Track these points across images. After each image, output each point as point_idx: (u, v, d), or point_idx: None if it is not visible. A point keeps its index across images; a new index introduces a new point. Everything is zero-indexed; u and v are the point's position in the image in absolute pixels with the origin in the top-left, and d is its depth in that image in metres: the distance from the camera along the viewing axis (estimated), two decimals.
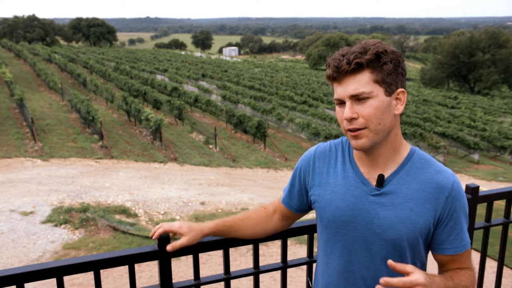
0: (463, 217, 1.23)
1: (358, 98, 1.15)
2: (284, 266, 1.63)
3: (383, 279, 1.03)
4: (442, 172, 1.23)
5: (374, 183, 1.25)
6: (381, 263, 1.24)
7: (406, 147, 1.27)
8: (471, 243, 1.84)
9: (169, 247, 1.35)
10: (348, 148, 1.33)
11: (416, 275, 1.04)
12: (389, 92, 1.17)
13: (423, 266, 1.31)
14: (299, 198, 1.41)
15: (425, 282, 1.04)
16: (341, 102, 1.19)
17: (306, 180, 1.37)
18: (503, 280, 2.13)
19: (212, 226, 1.40)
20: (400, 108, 1.20)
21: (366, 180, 1.25)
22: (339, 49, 1.21)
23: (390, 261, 1.06)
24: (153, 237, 1.36)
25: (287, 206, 1.45)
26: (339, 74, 1.16)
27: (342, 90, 1.17)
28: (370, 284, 1.27)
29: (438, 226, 1.22)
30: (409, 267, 1.05)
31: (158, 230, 1.36)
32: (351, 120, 1.16)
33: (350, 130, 1.18)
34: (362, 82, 1.14)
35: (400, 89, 1.20)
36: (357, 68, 1.14)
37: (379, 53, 1.15)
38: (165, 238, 1.39)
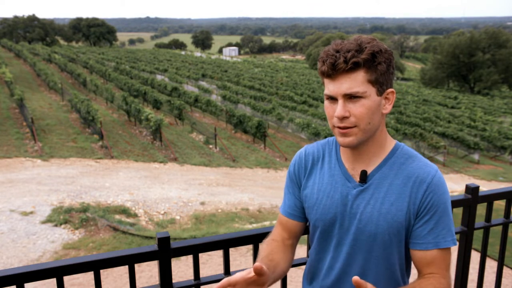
0: (442, 213, 1.20)
1: (351, 97, 1.15)
2: None
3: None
4: (423, 167, 1.23)
5: (358, 179, 1.26)
6: (366, 258, 1.26)
7: (391, 143, 1.28)
8: (471, 243, 1.85)
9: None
10: (335, 147, 1.34)
11: None
12: (380, 92, 1.18)
13: (408, 261, 1.31)
14: (302, 204, 1.38)
15: None
16: (332, 98, 1.18)
17: (300, 182, 1.37)
18: (503, 280, 2.13)
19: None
20: (388, 107, 1.21)
21: (350, 177, 1.27)
22: (332, 43, 1.19)
23: (355, 278, 0.99)
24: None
25: (292, 217, 1.37)
26: (334, 72, 1.14)
27: (335, 87, 1.16)
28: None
29: (415, 219, 1.22)
30: (369, 286, 1.02)
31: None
32: (342, 118, 1.17)
33: (339, 128, 1.18)
34: (356, 81, 1.14)
35: (390, 89, 1.20)
36: (353, 67, 1.13)
37: (375, 53, 1.14)
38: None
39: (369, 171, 1.25)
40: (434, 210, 1.20)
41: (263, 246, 1.35)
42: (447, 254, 1.22)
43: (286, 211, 1.39)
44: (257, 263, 1.00)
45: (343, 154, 1.31)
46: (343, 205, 1.26)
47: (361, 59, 1.12)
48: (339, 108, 1.15)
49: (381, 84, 1.17)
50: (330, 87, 1.17)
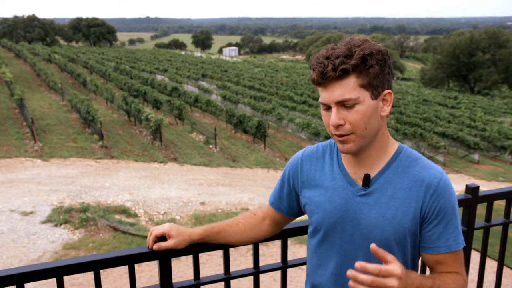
0: (450, 216, 1.20)
1: (344, 104, 1.13)
2: (284, 266, 1.63)
3: (359, 263, 0.99)
4: (429, 169, 1.20)
5: (360, 183, 1.24)
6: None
7: (394, 145, 1.25)
8: (471, 243, 1.85)
9: (155, 247, 1.36)
10: (336, 150, 1.32)
11: (394, 266, 1.00)
12: (375, 95, 1.14)
13: (414, 266, 1.30)
14: (289, 202, 1.41)
15: (401, 274, 1.00)
16: (327, 106, 1.17)
17: (295, 183, 1.37)
18: (503, 280, 2.13)
19: (201, 232, 1.40)
20: (386, 109, 1.18)
21: (352, 181, 1.25)
22: (323, 48, 1.17)
23: (373, 245, 1.02)
24: (149, 247, 1.37)
25: (277, 209, 1.44)
26: (324, 80, 1.12)
27: (327, 95, 1.14)
28: None
29: (423, 224, 1.21)
30: (389, 256, 1.02)
31: (150, 238, 1.37)
32: (337, 126, 1.15)
33: (337, 135, 1.17)
34: (348, 87, 1.11)
35: (386, 91, 1.17)
36: (343, 74, 1.11)
37: (365, 56, 1.11)
38: (164, 238, 1.39)
39: (372, 175, 1.23)
40: (443, 213, 1.19)
41: (244, 213, 1.50)
42: (459, 254, 1.23)
43: (272, 202, 1.46)
44: (164, 231, 1.36)
45: (344, 158, 1.28)
46: (345, 210, 1.24)
47: (349, 65, 1.10)
48: (333, 117, 1.14)
49: (375, 87, 1.14)
50: (323, 95, 1.16)
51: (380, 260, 1.22)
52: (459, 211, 1.24)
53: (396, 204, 1.19)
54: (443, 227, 1.20)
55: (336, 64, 1.10)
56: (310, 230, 1.37)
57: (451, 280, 1.21)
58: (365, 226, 1.22)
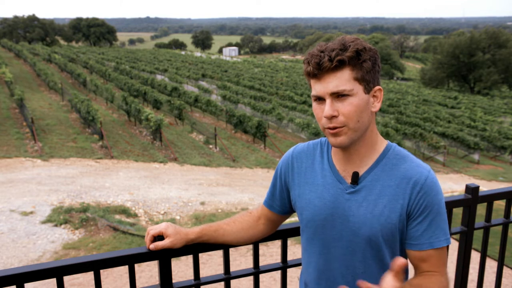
0: (435, 214, 1.20)
1: (338, 96, 1.15)
2: (284, 266, 1.63)
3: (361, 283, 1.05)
4: (416, 167, 1.22)
5: (349, 180, 1.25)
6: (359, 260, 1.25)
7: (383, 143, 1.27)
8: (471, 243, 1.85)
9: (152, 246, 1.35)
10: (326, 147, 1.33)
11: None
12: (367, 89, 1.17)
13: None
14: (281, 200, 1.42)
15: None
16: (320, 99, 1.19)
17: (287, 181, 1.38)
18: (503, 280, 2.13)
19: (198, 231, 1.41)
20: (377, 105, 1.21)
21: (341, 178, 1.26)
22: (316, 45, 1.19)
23: (359, 282, 1.07)
24: (150, 248, 1.36)
25: (269, 208, 1.46)
26: (320, 71, 1.14)
27: (322, 87, 1.15)
28: (349, 282, 1.27)
29: (409, 220, 1.22)
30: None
31: (147, 238, 1.37)
32: (331, 118, 1.16)
33: (329, 128, 1.18)
34: (343, 79, 1.14)
35: (377, 87, 1.20)
36: (339, 65, 1.13)
37: (359, 51, 1.14)
38: (162, 238, 1.38)
39: (360, 172, 1.24)
40: (428, 211, 1.20)
41: (241, 212, 1.52)
42: (443, 252, 1.23)
43: (266, 201, 1.47)
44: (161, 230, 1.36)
45: (334, 156, 1.30)
46: (334, 207, 1.25)
47: (346, 56, 1.12)
48: (327, 108, 1.15)
49: (367, 81, 1.17)
50: (317, 88, 1.17)
51: (372, 257, 1.24)
52: (445, 210, 1.24)
53: (383, 201, 1.21)
54: (427, 224, 1.20)
55: (333, 56, 1.13)
56: (301, 228, 1.38)
57: (432, 284, 1.21)
58: (354, 223, 1.23)
